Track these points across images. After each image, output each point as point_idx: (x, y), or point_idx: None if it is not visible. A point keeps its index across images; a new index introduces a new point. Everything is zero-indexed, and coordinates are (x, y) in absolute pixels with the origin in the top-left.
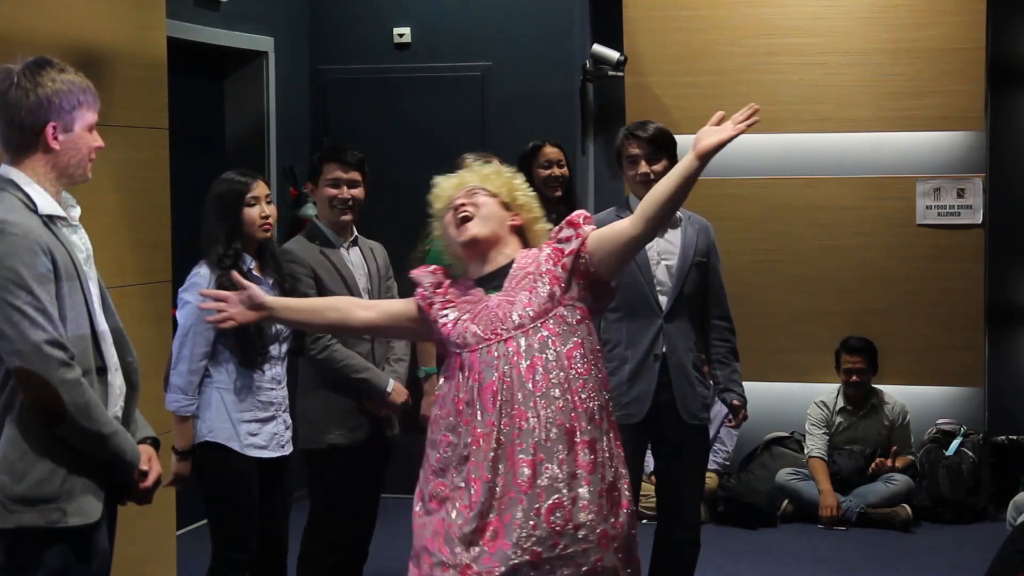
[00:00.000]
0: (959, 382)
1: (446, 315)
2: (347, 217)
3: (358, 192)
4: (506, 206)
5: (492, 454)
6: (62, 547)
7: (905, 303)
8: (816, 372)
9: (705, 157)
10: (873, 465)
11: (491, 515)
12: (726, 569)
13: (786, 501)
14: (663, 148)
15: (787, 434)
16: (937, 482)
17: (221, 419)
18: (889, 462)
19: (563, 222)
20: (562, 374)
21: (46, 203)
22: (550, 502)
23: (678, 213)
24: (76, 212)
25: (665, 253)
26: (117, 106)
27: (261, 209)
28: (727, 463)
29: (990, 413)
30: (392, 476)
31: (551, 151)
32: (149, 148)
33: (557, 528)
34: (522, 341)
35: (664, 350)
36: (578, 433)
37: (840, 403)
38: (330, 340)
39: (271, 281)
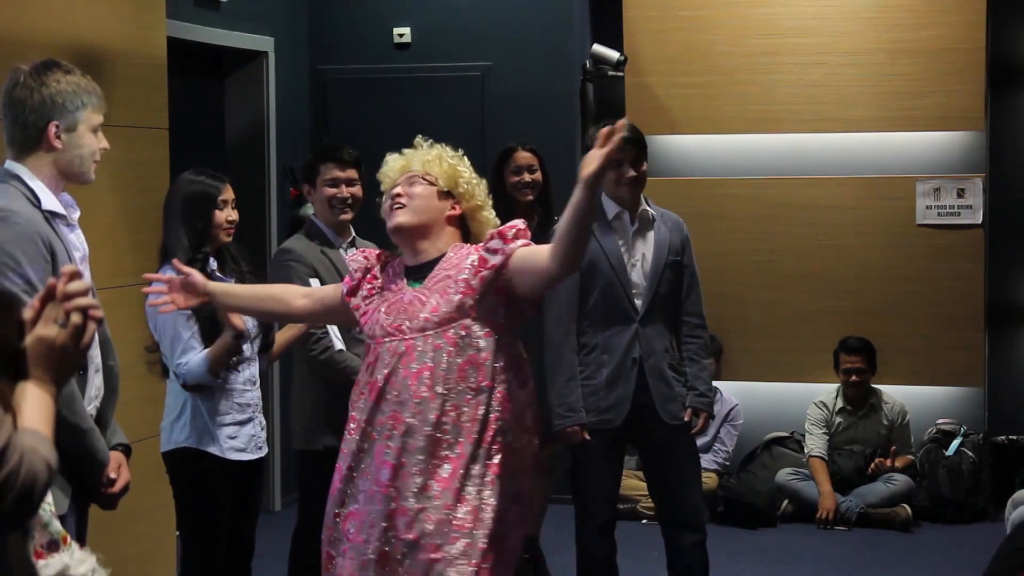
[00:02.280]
0: (959, 382)
1: (369, 302)
2: (347, 216)
3: (356, 190)
4: (447, 194)
5: (357, 447)
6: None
7: (905, 303)
8: (816, 372)
9: (590, 185)
10: (873, 466)
11: (351, 505)
12: (726, 569)
13: (786, 501)
14: (643, 149)
15: (787, 434)
16: (937, 482)
17: (200, 424)
18: (888, 462)
19: (499, 230)
20: (447, 387)
21: (48, 199)
22: (399, 507)
23: (651, 212)
24: (76, 214)
25: (639, 255)
26: (117, 106)
27: (228, 213)
28: (727, 463)
29: (990, 413)
30: None
31: (522, 156)
32: (149, 148)
33: (399, 535)
34: (419, 344)
35: (641, 353)
36: (444, 447)
37: (839, 403)
38: (331, 341)
39: (233, 282)
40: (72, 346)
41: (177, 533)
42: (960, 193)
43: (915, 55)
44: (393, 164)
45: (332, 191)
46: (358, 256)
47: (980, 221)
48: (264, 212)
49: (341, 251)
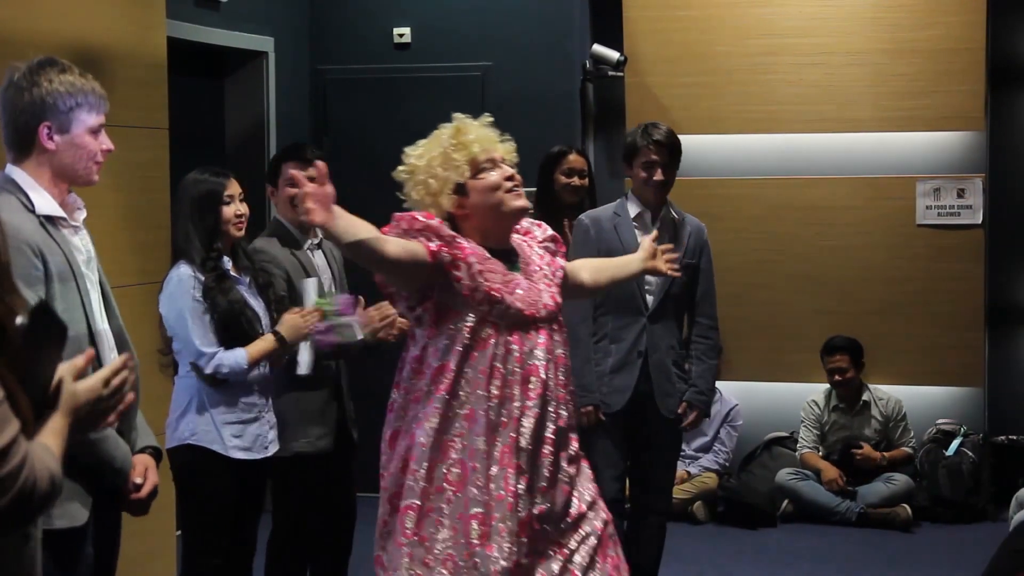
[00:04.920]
0: (959, 382)
1: (484, 277)
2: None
3: None
4: None
5: (529, 439)
6: (46, 550)
7: (905, 303)
8: (815, 372)
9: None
10: (859, 455)
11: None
12: (726, 569)
13: (786, 501)
14: (678, 155)
15: (787, 434)
16: (937, 482)
17: (204, 421)
18: (877, 455)
19: (552, 233)
20: (565, 379)
21: (44, 204)
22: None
23: (674, 214)
24: (81, 215)
25: None
26: (117, 106)
27: (235, 207)
28: (727, 463)
29: (990, 413)
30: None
31: (576, 160)
32: (149, 148)
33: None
34: (551, 335)
35: (646, 347)
36: (571, 435)
37: (833, 401)
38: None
39: (248, 280)
40: (96, 419)
41: (178, 533)
42: (960, 193)
43: (915, 55)
44: (489, 133)
45: (293, 191)
46: (433, 221)
47: (980, 221)
48: (263, 212)
49: (308, 252)
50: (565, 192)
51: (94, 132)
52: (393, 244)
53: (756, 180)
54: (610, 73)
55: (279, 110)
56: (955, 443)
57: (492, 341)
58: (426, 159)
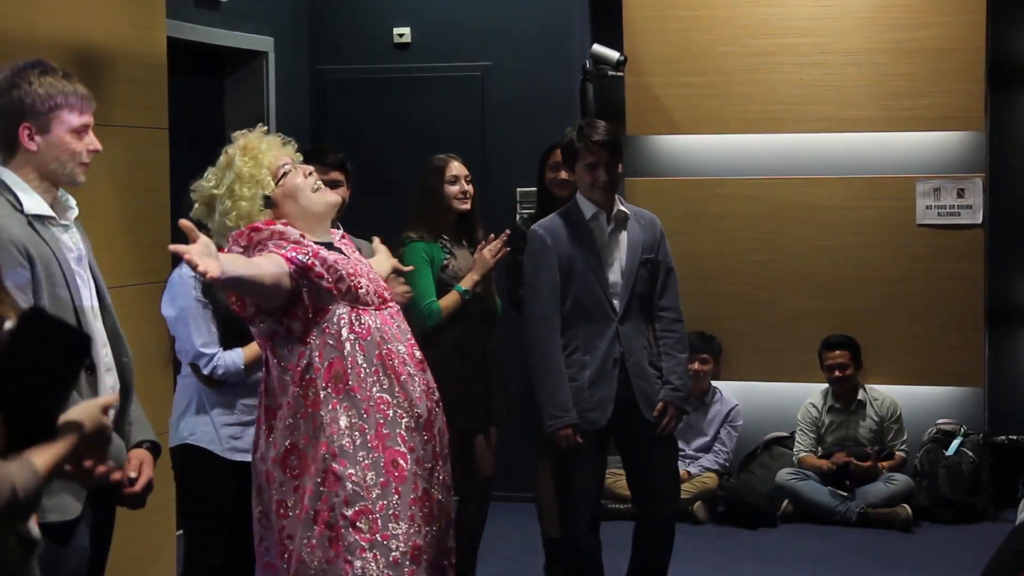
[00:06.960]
0: (959, 382)
1: (340, 266)
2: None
3: (340, 192)
4: None
5: (415, 422)
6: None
7: (905, 303)
8: (816, 372)
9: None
10: (857, 469)
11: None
12: (726, 569)
13: (786, 501)
14: (618, 152)
15: (787, 434)
16: (937, 482)
17: (202, 422)
18: (871, 463)
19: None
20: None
21: (33, 203)
22: (446, 479)
23: (625, 211)
24: (72, 213)
25: (615, 255)
26: (117, 106)
27: None
28: (727, 463)
29: (990, 413)
30: None
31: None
32: (149, 148)
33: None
34: (395, 309)
35: (621, 352)
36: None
37: (829, 402)
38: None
39: None
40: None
41: (179, 532)
42: (960, 193)
43: (915, 55)
44: (275, 141)
45: None
46: (276, 226)
47: (980, 221)
48: None
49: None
50: (554, 186)
51: (78, 133)
52: (265, 266)
53: (756, 180)
54: (610, 73)
55: (279, 110)
56: (955, 443)
57: (371, 325)
58: (226, 185)
